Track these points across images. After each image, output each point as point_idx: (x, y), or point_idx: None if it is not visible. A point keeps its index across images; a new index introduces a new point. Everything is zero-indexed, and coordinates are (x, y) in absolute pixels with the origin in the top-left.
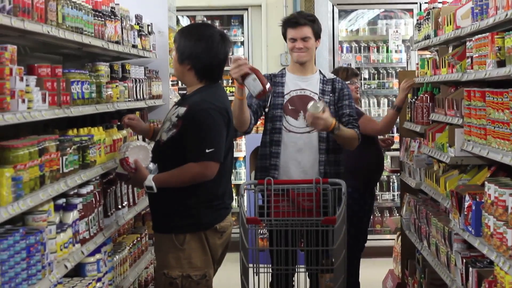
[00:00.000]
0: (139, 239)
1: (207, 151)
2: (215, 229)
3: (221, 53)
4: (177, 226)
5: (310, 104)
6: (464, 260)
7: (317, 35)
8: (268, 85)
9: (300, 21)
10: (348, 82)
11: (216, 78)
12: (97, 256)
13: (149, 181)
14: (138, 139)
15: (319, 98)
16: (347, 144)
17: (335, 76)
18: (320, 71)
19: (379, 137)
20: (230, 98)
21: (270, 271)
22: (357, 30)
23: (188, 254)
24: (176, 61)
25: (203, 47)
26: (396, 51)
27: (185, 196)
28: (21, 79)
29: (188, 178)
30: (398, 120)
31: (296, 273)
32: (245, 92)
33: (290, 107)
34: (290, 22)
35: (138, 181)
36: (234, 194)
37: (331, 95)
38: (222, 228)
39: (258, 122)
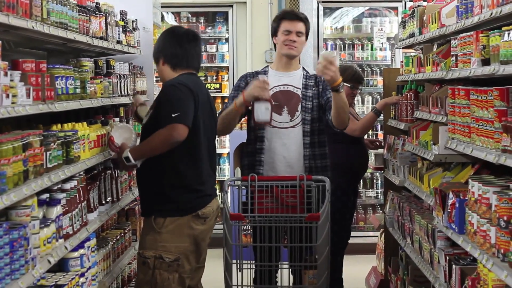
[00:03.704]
0: (122, 234)
1: (173, 115)
2: (197, 215)
3: (185, 43)
4: (157, 210)
5: (324, 51)
6: (448, 257)
7: (307, 35)
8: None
9: (299, 15)
10: (349, 85)
11: (188, 66)
12: (81, 251)
13: (126, 152)
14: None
15: (301, 92)
16: (342, 114)
17: None
18: (303, 67)
19: (365, 137)
20: (212, 94)
21: (254, 267)
22: (342, 28)
23: (164, 239)
24: (157, 66)
25: (168, 39)
26: (380, 49)
27: (166, 181)
28: (6, 74)
29: (158, 142)
30: (382, 117)
31: (279, 270)
32: (243, 107)
33: (273, 103)
34: (287, 14)
35: (121, 157)
36: (218, 191)
37: (314, 88)
38: (204, 214)
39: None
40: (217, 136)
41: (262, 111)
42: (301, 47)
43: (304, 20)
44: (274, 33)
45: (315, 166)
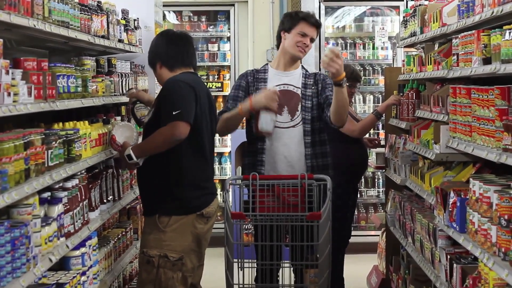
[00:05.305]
0: (124, 233)
1: (173, 113)
2: (201, 214)
3: (178, 42)
4: (163, 208)
5: (329, 46)
6: (449, 256)
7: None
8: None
9: (318, 22)
10: (347, 84)
11: (185, 64)
12: (82, 250)
13: (128, 150)
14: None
15: (301, 92)
16: (341, 110)
17: (318, 71)
18: (302, 66)
19: (365, 136)
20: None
21: (255, 266)
22: (344, 27)
23: (169, 237)
24: (154, 72)
25: (160, 42)
26: (382, 48)
27: (171, 179)
28: (7, 73)
29: (160, 140)
30: (383, 116)
31: (281, 268)
32: (248, 113)
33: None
34: (310, 18)
35: (123, 155)
36: (219, 190)
37: (313, 87)
38: (207, 213)
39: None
40: (218, 135)
41: (267, 122)
42: (308, 51)
43: (319, 27)
44: (287, 29)
45: (316, 165)
